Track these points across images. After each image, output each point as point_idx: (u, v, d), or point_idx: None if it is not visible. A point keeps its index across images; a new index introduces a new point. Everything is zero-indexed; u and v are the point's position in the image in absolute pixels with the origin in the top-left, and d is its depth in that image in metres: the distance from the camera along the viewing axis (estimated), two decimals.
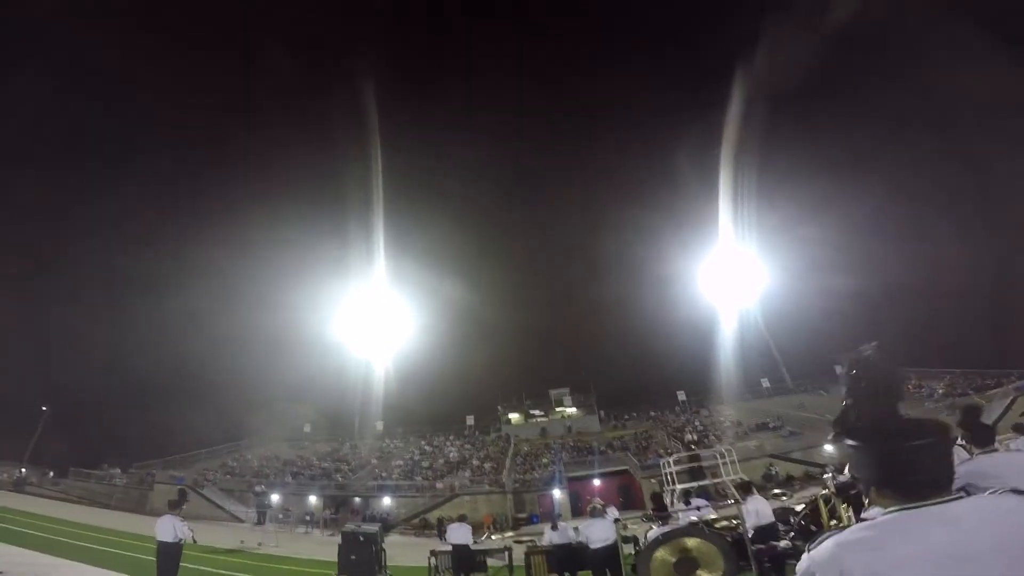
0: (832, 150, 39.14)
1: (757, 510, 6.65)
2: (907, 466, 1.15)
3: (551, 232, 46.01)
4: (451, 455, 36.88)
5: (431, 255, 47.15)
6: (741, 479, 7.86)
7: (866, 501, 1.25)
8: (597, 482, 31.56)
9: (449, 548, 9.64)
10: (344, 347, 49.54)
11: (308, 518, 25.10)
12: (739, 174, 40.82)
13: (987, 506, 1.07)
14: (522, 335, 44.81)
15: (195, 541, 7.81)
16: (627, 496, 30.48)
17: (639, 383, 46.66)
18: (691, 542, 5.03)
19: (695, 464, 16.71)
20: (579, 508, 29.94)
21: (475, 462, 34.66)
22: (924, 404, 29.68)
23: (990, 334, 35.32)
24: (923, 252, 36.88)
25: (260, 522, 17.81)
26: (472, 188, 47.89)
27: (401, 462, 35.67)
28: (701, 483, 14.61)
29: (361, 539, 9.82)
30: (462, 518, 10.72)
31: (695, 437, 23.61)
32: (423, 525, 24.56)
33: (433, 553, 9.73)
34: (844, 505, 4.96)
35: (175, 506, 7.62)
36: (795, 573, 1.20)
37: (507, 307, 45.56)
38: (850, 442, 1.27)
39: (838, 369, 28.79)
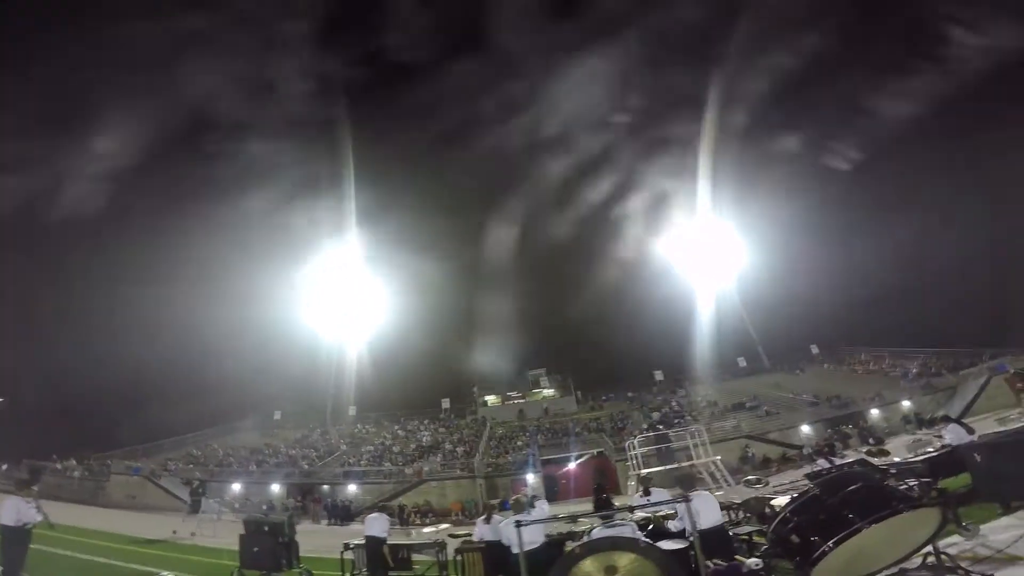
0: (812, 130, 38.40)
1: (699, 511, 5.30)
2: None
3: (528, 211, 44.67)
4: (424, 439, 35.96)
5: (405, 235, 45.55)
6: (684, 473, 6.43)
7: None
8: (572, 465, 30.93)
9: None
10: (317, 331, 47.94)
11: (265, 508, 24.03)
12: (719, 153, 39.91)
13: None
14: (499, 316, 43.68)
15: (52, 525, 7.05)
16: (604, 479, 29.98)
17: (617, 363, 46.15)
18: (623, 558, 3.82)
19: (664, 446, 15.94)
20: (554, 491, 29.39)
21: (448, 446, 33.81)
22: (900, 383, 29.61)
23: (965, 314, 35.32)
24: (899, 234, 36.61)
25: (195, 511, 16.78)
26: (447, 167, 46.13)
27: (372, 448, 34.65)
28: (668, 468, 13.85)
29: (266, 529, 9.03)
30: (382, 508, 9.58)
31: (661, 416, 22.69)
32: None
33: (347, 546, 8.55)
34: None
35: (22, 486, 6.87)
36: None
37: (484, 288, 44.34)
38: None
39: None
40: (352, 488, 27.25)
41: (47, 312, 40.24)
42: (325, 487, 29.02)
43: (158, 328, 43.64)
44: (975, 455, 6.99)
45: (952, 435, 8.80)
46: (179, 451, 34.84)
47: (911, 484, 5.89)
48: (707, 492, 5.72)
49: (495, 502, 8.91)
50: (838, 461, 8.64)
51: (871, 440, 23.58)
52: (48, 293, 41.86)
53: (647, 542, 4.02)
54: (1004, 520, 5.84)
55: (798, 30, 37.44)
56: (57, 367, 41.11)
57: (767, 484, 9.94)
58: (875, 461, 9.94)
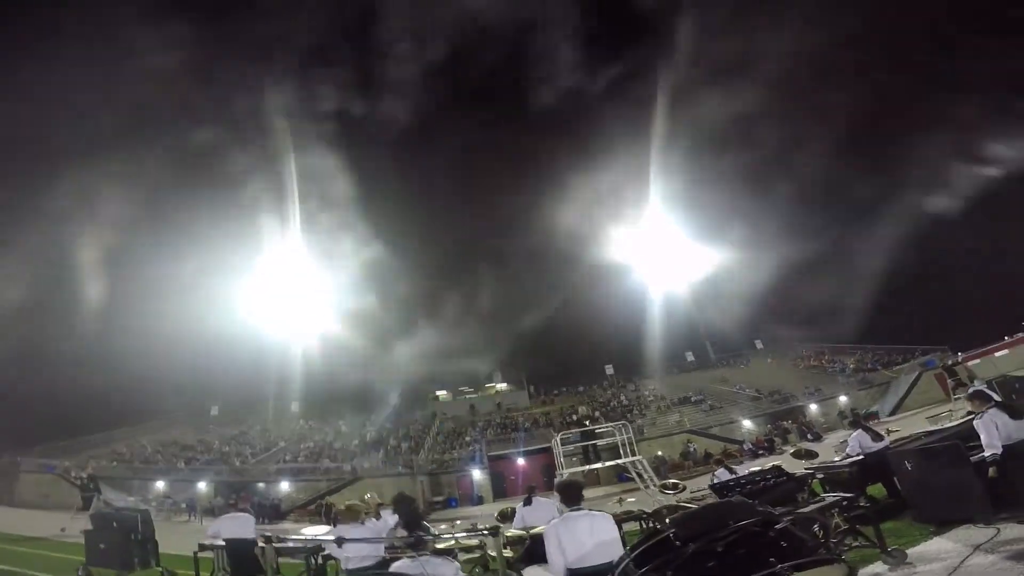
0: (760, 128, 38.82)
1: (561, 538, 3.73)
2: None
3: (481, 205, 43.66)
4: (368, 435, 34.71)
5: (355, 227, 43.61)
6: (567, 478, 5.08)
7: None
8: (521, 461, 30.40)
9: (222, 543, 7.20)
10: (260, 325, 45.48)
11: (184, 506, 22.50)
12: (668, 149, 39.90)
13: None
14: (452, 309, 42.62)
15: None
16: (551, 475, 29.62)
17: (570, 357, 45.95)
18: None
19: (589, 443, 15.42)
20: (502, 488, 28.80)
21: (392, 442, 32.70)
22: (837, 379, 30.44)
23: (903, 312, 36.75)
24: (841, 232, 37.59)
25: (86, 508, 15.28)
26: (395, 161, 44.43)
27: (312, 444, 33.15)
28: (592, 467, 13.34)
29: (115, 525, 8.20)
30: (241, 507, 8.53)
31: (589, 411, 22.24)
32: (318, 511, 22.39)
33: (202, 547, 7.14)
34: None
35: None
36: None
37: (435, 280, 43.14)
38: None
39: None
40: (284, 486, 25.86)
41: None
42: (261, 485, 27.54)
43: (86, 319, 40.39)
44: (904, 462, 6.57)
45: (854, 443, 8.16)
46: (105, 448, 32.52)
47: (822, 502, 5.24)
48: (597, 512, 4.29)
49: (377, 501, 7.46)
50: (741, 471, 7.93)
51: (809, 436, 24.05)
52: None
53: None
54: (936, 543, 5.21)
55: (750, 24, 37.72)
56: None
57: (683, 489, 9.26)
58: (802, 463, 9.65)
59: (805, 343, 39.00)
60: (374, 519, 5.38)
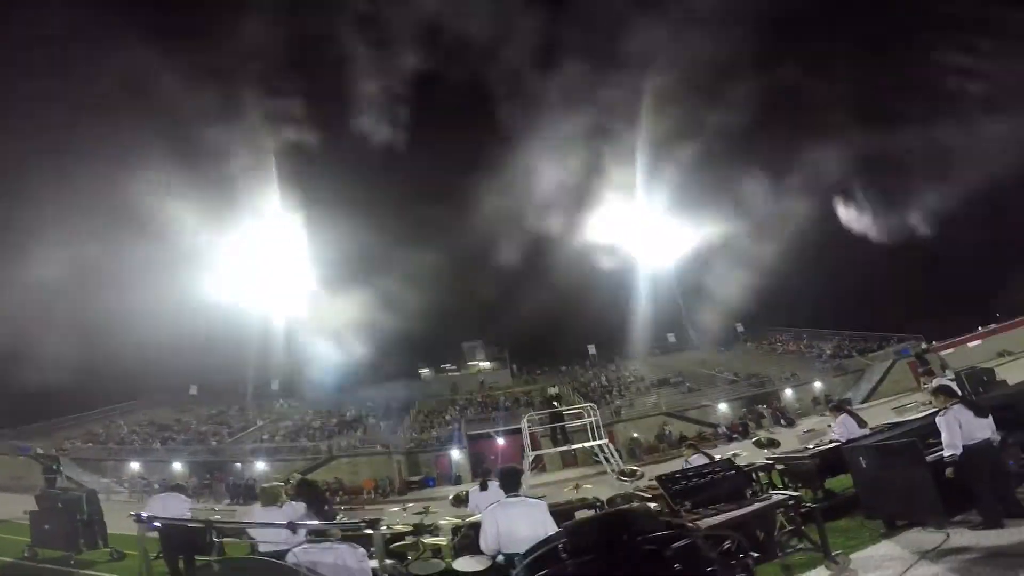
0: (746, 110, 38.36)
1: (498, 523, 3.90)
2: None
3: (465, 181, 42.87)
4: (347, 414, 34.56)
5: (335, 198, 42.66)
6: (506, 465, 4.98)
7: None
8: (501, 441, 30.46)
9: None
10: (240, 302, 44.69)
11: (157, 487, 22.23)
12: (656, 129, 39.38)
13: None
14: (435, 285, 42.11)
15: None
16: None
17: (553, 337, 45.89)
18: None
19: (558, 425, 15.36)
20: (481, 468, 28.81)
21: (371, 420, 32.60)
22: (814, 365, 30.74)
23: (877, 300, 37.10)
24: (824, 218, 37.56)
25: (49, 488, 15.07)
26: (380, 132, 43.26)
27: (290, 423, 32.95)
28: (564, 449, 13.24)
29: (60, 506, 8.35)
30: (177, 487, 8.41)
31: (557, 391, 22.15)
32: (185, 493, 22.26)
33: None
34: None
35: None
36: None
37: (418, 255, 42.45)
38: None
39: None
40: (260, 466, 25.70)
41: None
42: (238, 465, 27.36)
43: (59, 295, 39.27)
44: (860, 458, 6.44)
45: (840, 428, 8.31)
46: (80, 429, 32.06)
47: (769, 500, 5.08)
48: (533, 500, 4.20)
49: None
50: (718, 457, 7.83)
51: (782, 421, 24.32)
52: None
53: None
54: (884, 547, 5.09)
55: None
56: None
57: (641, 476, 9.08)
58: (766, 452, 9.56)
59: (784, 328, 39.35)
60: (291, 503, 5.15)
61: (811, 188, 37.02)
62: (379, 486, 23.32)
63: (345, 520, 6.00)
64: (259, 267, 44.63)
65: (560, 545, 2.83)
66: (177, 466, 26.30)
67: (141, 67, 36.02)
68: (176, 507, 7.60)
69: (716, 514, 4.91)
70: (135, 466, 26.41)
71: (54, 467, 16.48)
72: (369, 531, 3.19)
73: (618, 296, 42.54)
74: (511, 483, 4.16)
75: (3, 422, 30.33)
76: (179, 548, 6.89)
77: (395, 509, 9.26)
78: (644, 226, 42.29)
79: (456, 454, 28.44)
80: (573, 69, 39.47)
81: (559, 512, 7.84)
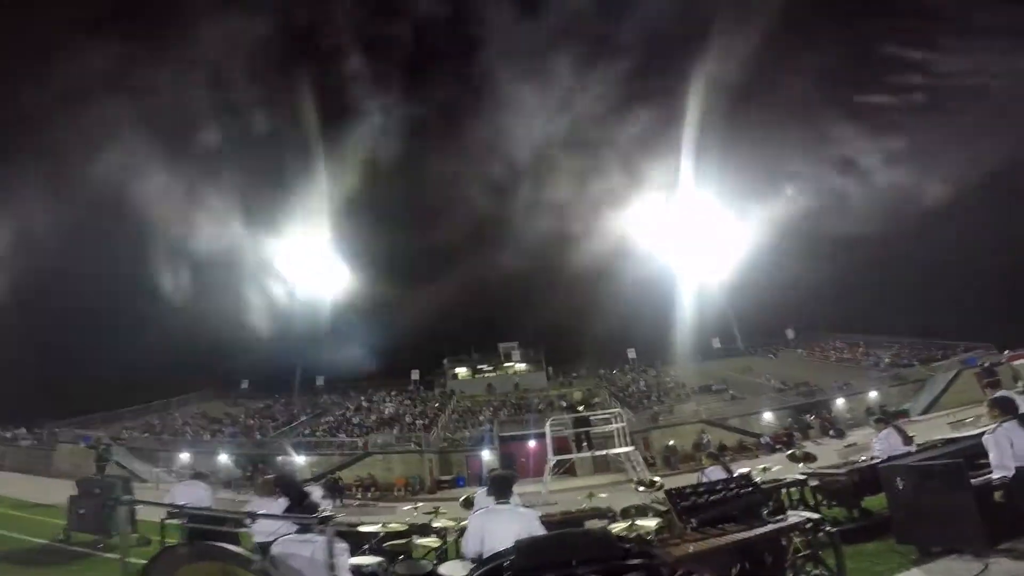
0: (800, 101, 36.47)
1: (483, 529, 3.73)
2: None
3: (504, 181, 42.92)
4: (387, 411, 35.16)
5: (377, 201, 43.76)
6: (499, 472, 4.83)
7: None
8: (532, 443, 30.19)
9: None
10: (287, 298, 46.64)
11: (173, 476, 23.26)
12: (703, 126, 38.03)
13: None
14: (473, 286, 42.44)
15: None
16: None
17: (591, 340, 45.13)
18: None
19: (583, 430, 14.89)
20: (513, 470, 28.69)
21: (408, 419, 33.00)
22: (870, 374, 28.80)
23: (949, 305, 34.25)
24: (886, 220, 35.10)
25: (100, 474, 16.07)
26: (420, 130, 44.01)
27: (332, 418, 33.84)
28: (586, 455, 12.82)
29: (96, 491, 8.63)
30: (198, 476, 8.46)
31: (582, 396, 21.52)
32: (326, 485, 22.70)
33: (170, 514, 6.90)
34: None
35: None
36: None
37: (458, 257, 42.91)
38: None
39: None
40: (299, 460, 26.43)
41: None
42: (279, 458, 28.29)
43: (125, 295, 42.13)
44: (897, 478, 5.83)
45: (883, 444, 7.62)
46: (138, 420, 34.04)
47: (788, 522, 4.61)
48: (523, 508, 4.12)
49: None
50: (736, 472, 7.31)
51: (831, 432, 22.85)
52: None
53: (264, 567, 2.80)
54: (914, 574, 4.62)
55: None
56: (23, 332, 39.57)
57: (660, 487, 8.54)
58: (800, 467, 8.87)
59: (840, 334, 37.12)
60: (283, 497, 5.14)
61: (871, 178, 34.69)
62: (410, 484, 23.50)
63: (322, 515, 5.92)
64: (310, 266, 46.54)
65: (506, 563, 2.63)
66: (223, 458, 27.43)
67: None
68: (195, 495, 7.78)
69: (722, 535, 4.54)
70: (184, 456, 27.75)
71: (105, 455, 17.43)
72: (320, 527, 3.09)
73: (662, 299, 41.47)
74: (500, 490, 4.07)
75: (74, 411, 32.72)
76: (197, 535, 7.07)
77: (407, 507, 9.18)
78: (691, 225, 40.97)
79: (487, 455, 28.35)
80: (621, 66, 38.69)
81: (568, 521, 7.56)
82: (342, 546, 3.44)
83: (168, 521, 8.01)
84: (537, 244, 41.95)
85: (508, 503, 3.98)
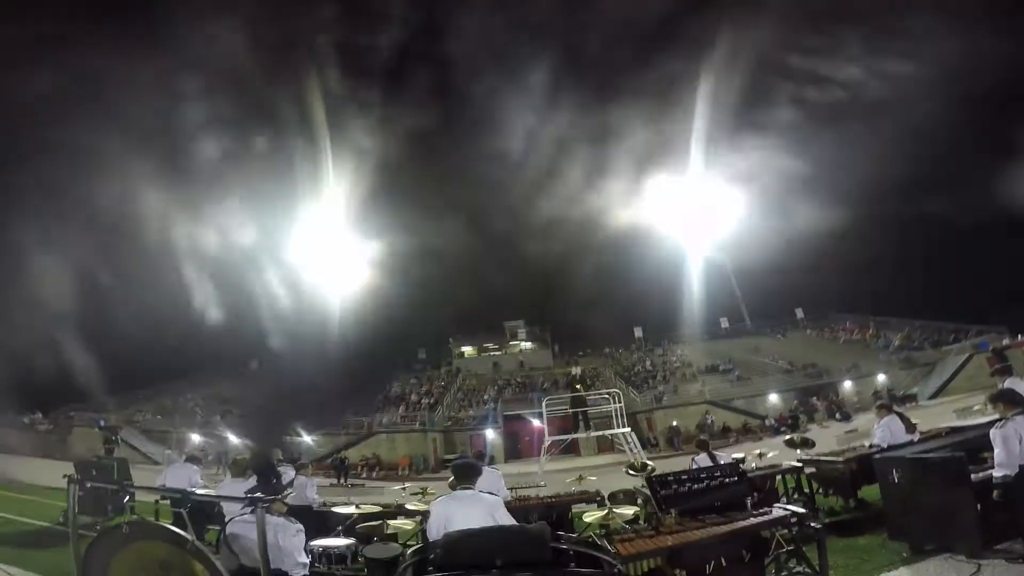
0: (815, 77, 34.95)
1: (447, 515, 3.49)
2: None
3: (510, 155, 42.14)
4: (392, 390, 35.47)
5: (380, 175, 43.16)
6: (462, 459, 4.79)
7: None
8: (536, 422, 30.31)
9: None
10: (295, 277, 46.54)
11: (211, 458, 23.66)
12: (714, 99, 36.74)
13: None
14: (478, 263, 41.92)
15: None
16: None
17: (598, 318, 44.77)
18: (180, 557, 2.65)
19: (579, 410, 14.81)
20: (517, 449, 28.91)
21: (414, 398, 33.27)
22: (879, 356, 28.37)
23: (963, 286, 33.27)
24: (897, 201, 33.87)
25: (108, 456, 16.36)
26: (425, 107, 43.12)
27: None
28: (581, 435, 12.74)
29: (94, 473, 8.68)
30: (191, 458, 8.50)
31: (580, 373, 21.33)
32: (332, 465, 23.04)
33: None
34: None
35: None
36: None
37: (463, 233, 42.30)
38: None
39: None
40: (307, 439, 26.81)
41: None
42: (287, 438, 28.68)
43: (138, 275, 42.25)
44: (893, 470, 5.62)
45: (884, 431, 7.40)
46: (153, 402, 34.53)
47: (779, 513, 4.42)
48: (487, 495, 3.95)
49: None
50: (722, 459, 7.18)
51: (838, 415, 22.63)
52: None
53: (197, 546, 2.75)
54: (901, 574, 4.46)
55: None
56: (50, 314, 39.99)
57: (652, 471, 8.43)
58: (798, 453, 8.70)
59: (849, 315, 36.51)
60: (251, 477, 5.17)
61: (882, 152, 33.47)
62: (414, 463, 23.75)
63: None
64: (316, 246, 46.40)
65: (433, 555, 2.55)
66: (233, 438, 27.84)
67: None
68: (185, 477, 7.84)
69: (701, 526, 4.40)
70: (195, 438, 28.19)
71: (112, 437, 17.76)
72: (251, 507, 3.03)
73: (669, 277, 40.83)
74: (464, 476, 3.97)
75: (91, 393, 33.17)
76: (181, 514, 7.12)
77: (396, 488, 9.21)
78: (698, 202, 40.03)
79: (491, 434, 28.56)
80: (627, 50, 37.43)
81: (555, 504, 7.48)
82: (296, 527, 3.49)
83: (160, 502, 8.19)
84: (544, 223, 41.30)
85: (472, 489, 3.87)
